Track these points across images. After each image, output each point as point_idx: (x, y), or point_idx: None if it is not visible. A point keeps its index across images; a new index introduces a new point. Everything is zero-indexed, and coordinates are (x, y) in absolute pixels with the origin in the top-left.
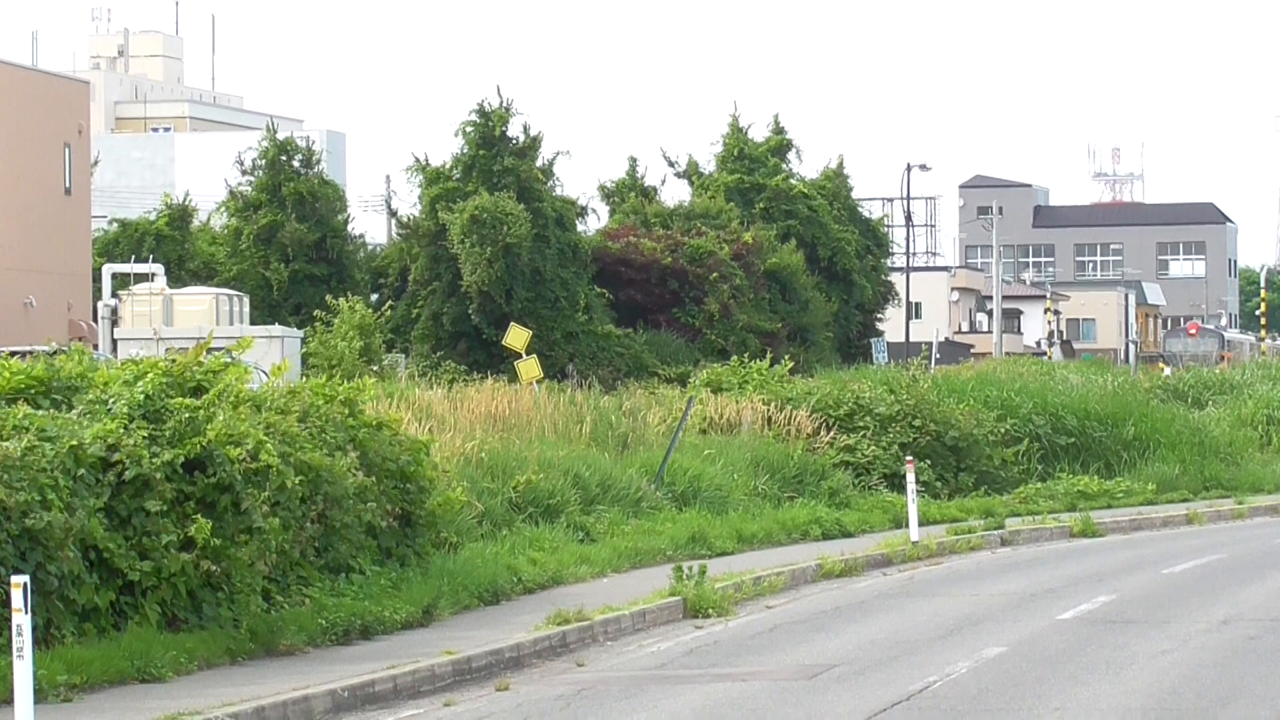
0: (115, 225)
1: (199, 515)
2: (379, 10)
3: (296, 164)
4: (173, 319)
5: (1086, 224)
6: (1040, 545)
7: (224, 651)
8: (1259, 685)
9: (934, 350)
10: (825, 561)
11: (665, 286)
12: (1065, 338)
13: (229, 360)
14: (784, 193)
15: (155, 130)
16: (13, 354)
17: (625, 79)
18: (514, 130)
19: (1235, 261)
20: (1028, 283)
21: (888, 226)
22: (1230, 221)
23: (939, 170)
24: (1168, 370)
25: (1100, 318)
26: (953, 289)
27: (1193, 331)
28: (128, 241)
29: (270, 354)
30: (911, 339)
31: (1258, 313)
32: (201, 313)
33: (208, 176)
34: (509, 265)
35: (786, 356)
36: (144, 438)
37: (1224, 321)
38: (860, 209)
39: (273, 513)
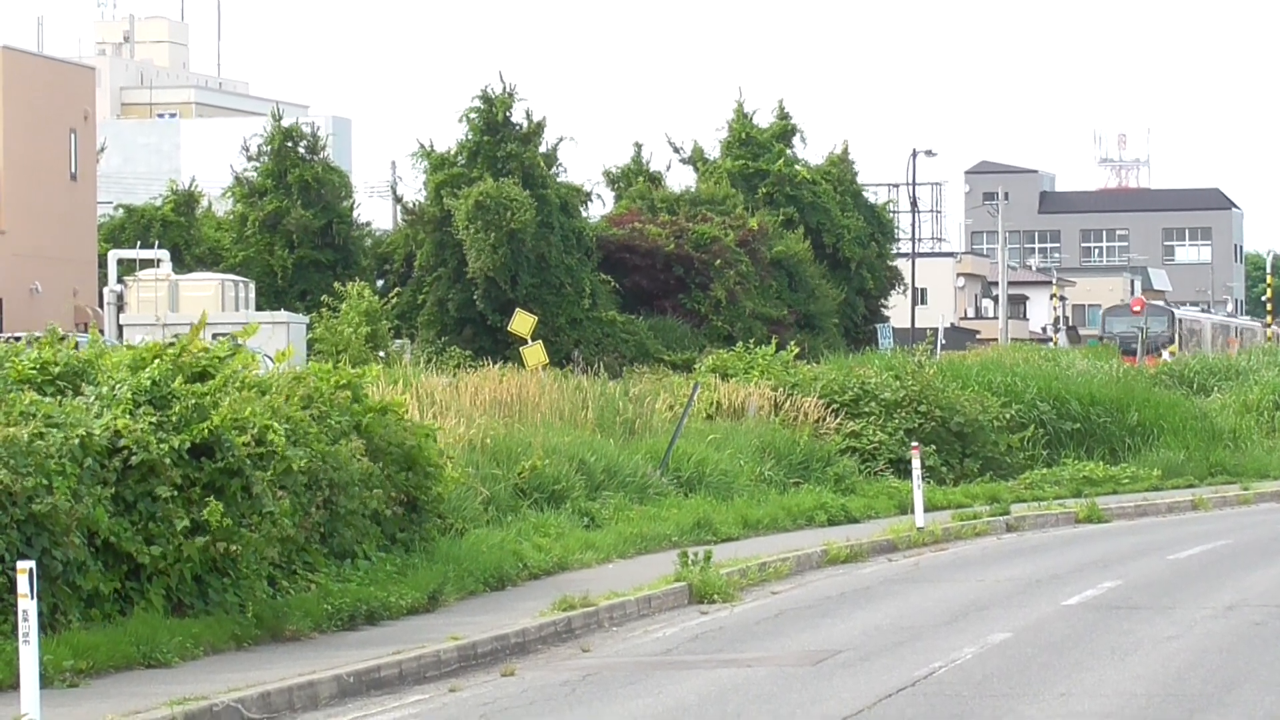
0: (121, 211)
1: (209, 499)
2: None
3: (302, 150)
4: (178, 305)
5: (1092, 210)
6: (1046, 531)
7: (230, 637)
8: (1264, 671)
9: (939, 336)
10: (831, 547)
11: (670, 272)
12: (1071, 324)
13: (235, 345)
14: (788, 178)
15: (161, 116)
16: (18, 340)
17: (630, 64)
18: (518, 116)
19: (1241, 247)
20: (1033, 269)
21: (893, 212)
22: (1236, 207)
23: (945, 156)
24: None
25: (1106, 304)
26: (958, 275)
27: (1137, 308)
28: (134, 227)
29: (276, 340)
30: (917, 325)
31: (1264, 298)
32: (207, 299)
33: (213, 162)
34: (514, 251)
35: (793, 343)
36: (150, 423)
37: (1230, 308)
38: (865, 195)
39: (282, 496)
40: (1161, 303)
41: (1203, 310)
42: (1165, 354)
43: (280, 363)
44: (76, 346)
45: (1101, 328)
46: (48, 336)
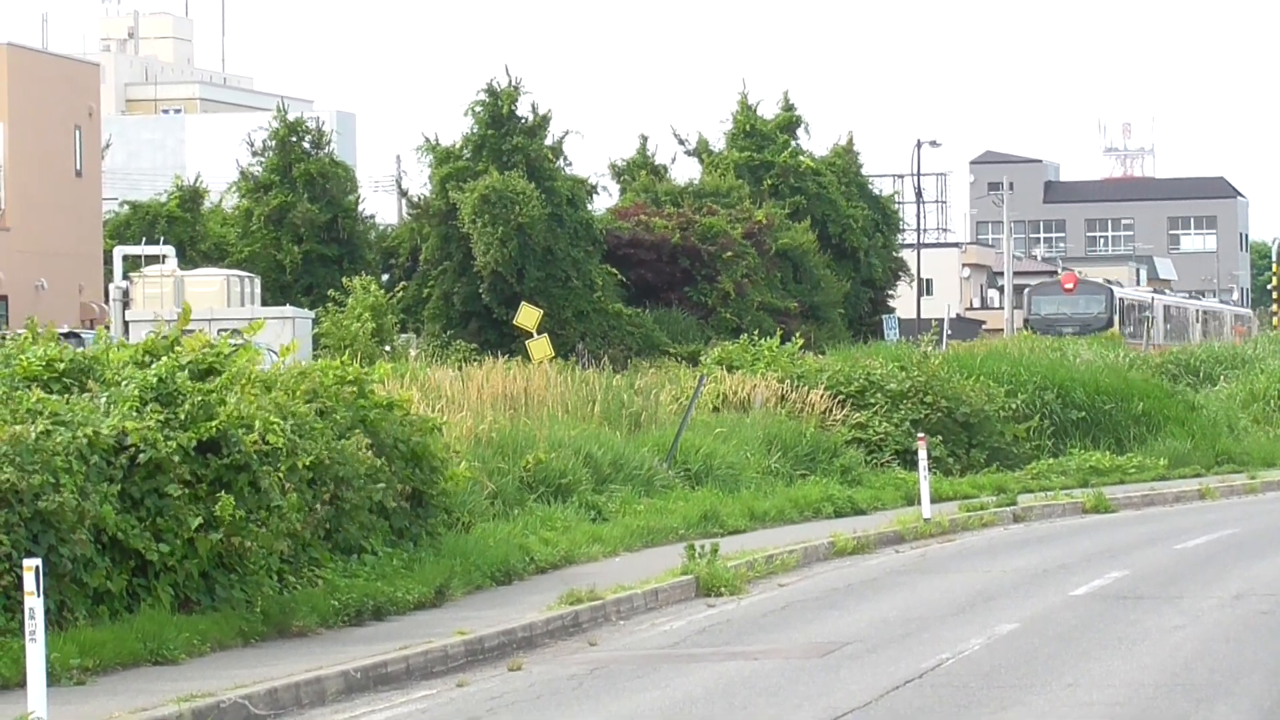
0: (126, 207)
1: (218, 494)
2: None
3: (307, 145)
4: (184, 301)
5: (1097, 199)
6: (1053, 521)
7: (236, 633)
8: (1272, 660)
9: (945, 326)
10: (838, 539)
11: (676, 265)
12: None
13: (237, 344)
14: (793, 169)
15: (166, 112)
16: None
17: (634, 57)
18: (523, 109)
19: (1247, 235)
20: (1039, 258)
21: (898, 203)
22: (1241, 195)
23: (949, 146)
24: None
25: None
26: (964, 265)
27: (1069, 286)
28: (139, 223)
29: (282, 335)
30: (923, 316)
31: (1269, 286)
32: (213, 294)
33: (218, 158)
34: (521, 245)
35: (797, 334)
36: (157, 421)
37: (1235, 296)
38: (870, 186)
39: (289, 489)
40: (1100, 279)
41: (1154, 291)
42: None
43: (285, 357)
44: (77, 340)
45: (1027, 309)
46: (29, 330)
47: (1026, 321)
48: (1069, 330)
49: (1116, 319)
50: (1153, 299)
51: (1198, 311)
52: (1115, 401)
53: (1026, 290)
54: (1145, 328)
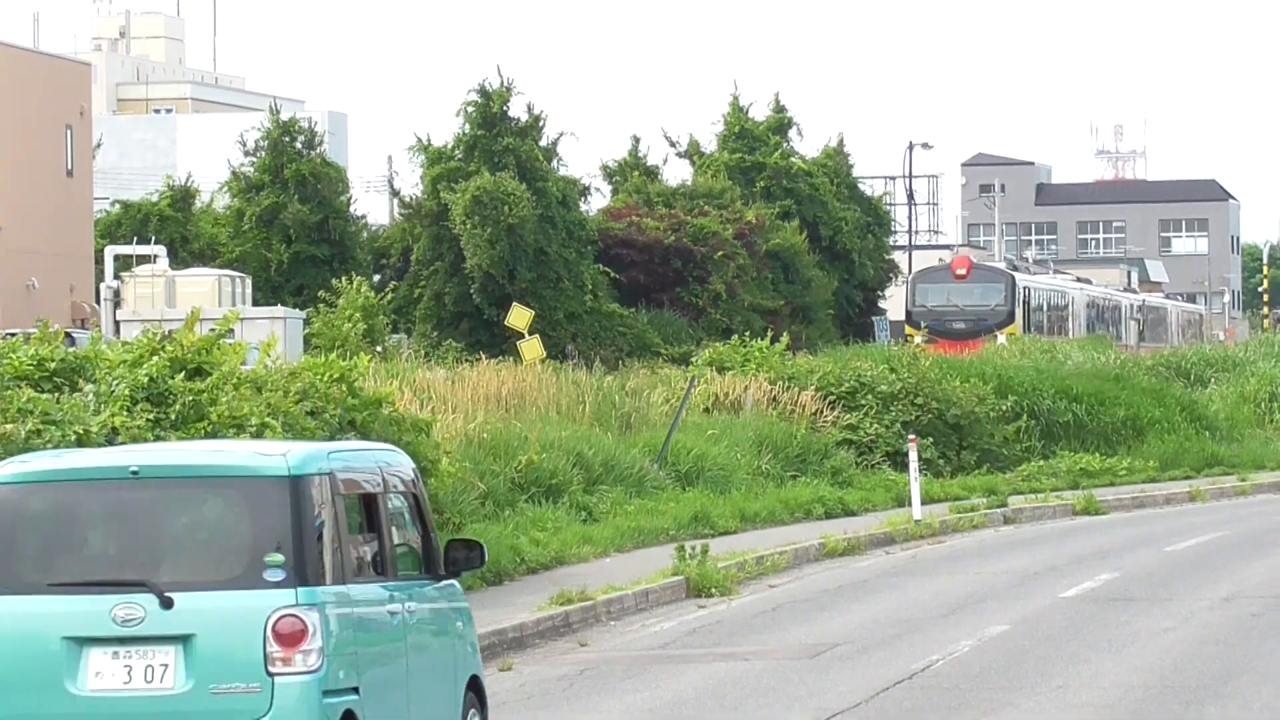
0: (117, 207)
1: None
2: None
3: (299, 145)
4: (175, 300)
5: (1089, 201)
6: (1043, 523)
7: None
8: (1261, 662)
9: None
10: (828, 540)
11: (668, 266)
12: None
13: (226, 340)
14: (784, 171)
15: (157, 112)
16: (13, 336)
17: (627, 58)
18: (516, 110)
19: (1238, 238)
20: (1030, 260)
21: (889, 205)
22: (1233, 198)
23: (941, 148)
24: (919, 339)
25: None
26: None
27: (961, 271)
28: (130, 223)
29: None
30: None
31: (1260, 289)
32: (204, 294)
33: (210, 158)
34: (512, 246)
35: (785, 335)
36: (148, 420)
37: (1226, 299)
38: (862, 187)
39: None
40: (1001, 265)
41: (1078, 281)
42: (1001, 337)
43: (266, 353)
44: (70, 340)
45: (910, 299)
46: (40, 331)
47: (909, 314)
48: (960, 325)
49: (1019, 313)
50: (1068, 291)
51: (1132, 307)
52: (1105, 403)
53: (909, 277)
54: (1057, 325)
